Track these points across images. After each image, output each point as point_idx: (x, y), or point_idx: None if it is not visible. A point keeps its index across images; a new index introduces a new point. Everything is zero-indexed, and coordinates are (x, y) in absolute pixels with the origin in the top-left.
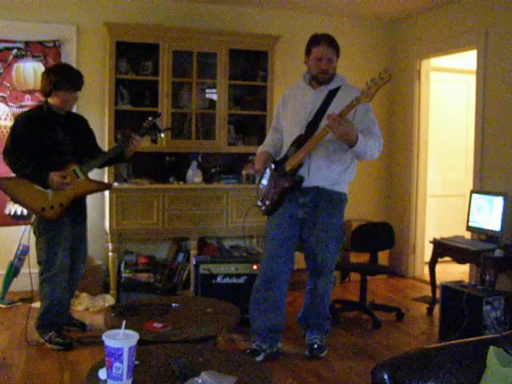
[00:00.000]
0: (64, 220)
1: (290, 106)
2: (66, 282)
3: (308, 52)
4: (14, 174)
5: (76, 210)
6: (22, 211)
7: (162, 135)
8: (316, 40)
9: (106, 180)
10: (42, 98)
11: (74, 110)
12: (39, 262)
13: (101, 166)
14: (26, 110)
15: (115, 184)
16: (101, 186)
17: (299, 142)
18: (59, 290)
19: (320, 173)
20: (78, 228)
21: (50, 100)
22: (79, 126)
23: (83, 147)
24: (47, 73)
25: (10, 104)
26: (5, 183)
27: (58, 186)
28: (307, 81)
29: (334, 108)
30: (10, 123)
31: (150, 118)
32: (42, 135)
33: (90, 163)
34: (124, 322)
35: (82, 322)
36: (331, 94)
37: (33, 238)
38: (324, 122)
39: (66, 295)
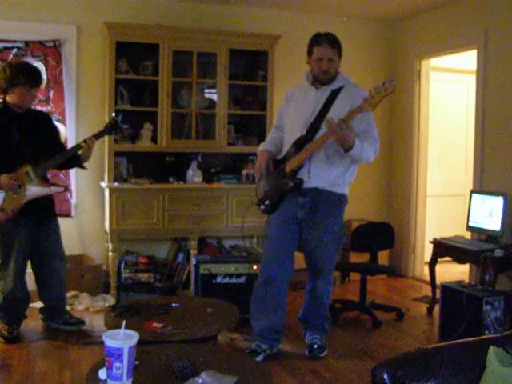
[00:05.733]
0: (20, 222)
1: (292, 105)
2: (22, 281)
3: (310, 52)
4: None
5: (40, 210)
6: None
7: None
8: (318, 40)
9: (106, 180)
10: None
11: (74, 109)
12: None
13: (60, 168)
14: None
15: (115, 184)
16: (56, 190)
17: (300, 144)
18: (13, 288)
19: (320, 174)
20: (46, 228)
21: (8, 98)
22: (39, 123)
23: (44, 145)
24: (3, 69)
25: None
26: None
27: (9, 189)
28: (310, 81)
29: (337, 108)
30: None
31: (113, 115)
32: None
33: (45, 165)
34: (124, 322)
35: (80, 319)
36: (333, 94)
37: None
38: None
39: (22, 293)
